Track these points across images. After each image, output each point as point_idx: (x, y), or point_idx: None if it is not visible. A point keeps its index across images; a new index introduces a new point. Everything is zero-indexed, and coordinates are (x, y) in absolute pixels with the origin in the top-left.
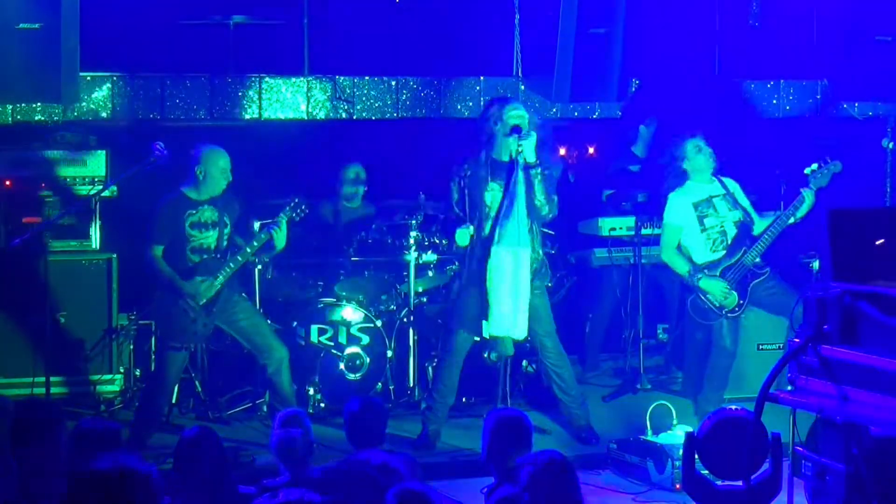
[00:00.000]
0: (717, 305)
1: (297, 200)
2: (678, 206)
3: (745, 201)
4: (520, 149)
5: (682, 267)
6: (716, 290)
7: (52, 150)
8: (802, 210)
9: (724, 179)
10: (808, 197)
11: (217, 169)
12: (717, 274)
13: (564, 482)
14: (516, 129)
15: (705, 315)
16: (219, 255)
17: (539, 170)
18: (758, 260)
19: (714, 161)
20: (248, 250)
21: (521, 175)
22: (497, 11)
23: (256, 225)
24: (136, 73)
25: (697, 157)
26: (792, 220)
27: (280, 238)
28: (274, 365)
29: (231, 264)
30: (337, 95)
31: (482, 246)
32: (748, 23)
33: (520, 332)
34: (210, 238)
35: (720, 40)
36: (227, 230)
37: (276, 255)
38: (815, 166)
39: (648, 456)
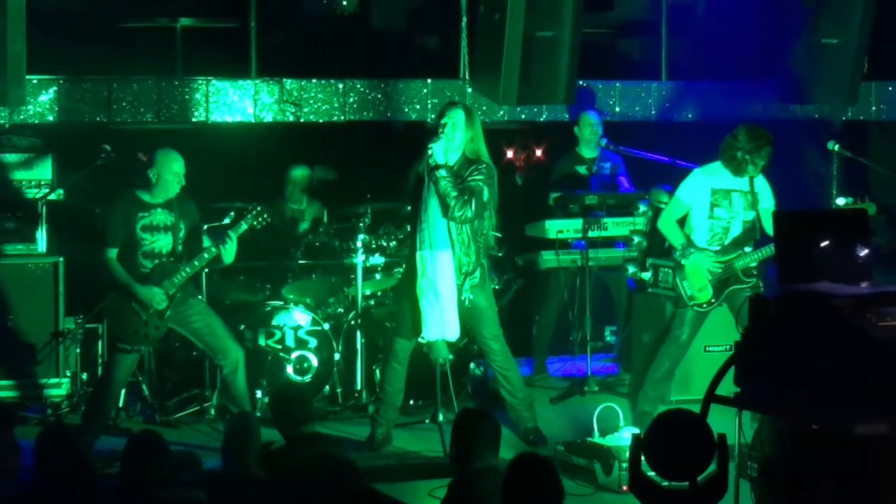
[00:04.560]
0: (688, 294)
1: (258, 208)
2: (695, 186)
3: (766, 205)
4: (430, 152)
5: (677, 238)
6: (697, 276)
7: None
8: None
9: (756, 179)
10: None
11: (170, 172)
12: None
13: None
14: (433, 132)
15: (672, 298)
16: (173, 260)
17: (442, 172)
18: (749, 268)
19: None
20: (197, 263)
21: (427, 179)
22: (444, 14)
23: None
24: (83, 76)
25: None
26: None
27: (229, 253)
28: (230, 366)
29: (187, 269)
30: (284, 98)
31: (411, 252)
32: (696, 24)
33: (451, 334)
34: (162, 242)
35: (667, 41)
36: (181, 234)
37: None
38: (849, 200)
39: (595, 458)
